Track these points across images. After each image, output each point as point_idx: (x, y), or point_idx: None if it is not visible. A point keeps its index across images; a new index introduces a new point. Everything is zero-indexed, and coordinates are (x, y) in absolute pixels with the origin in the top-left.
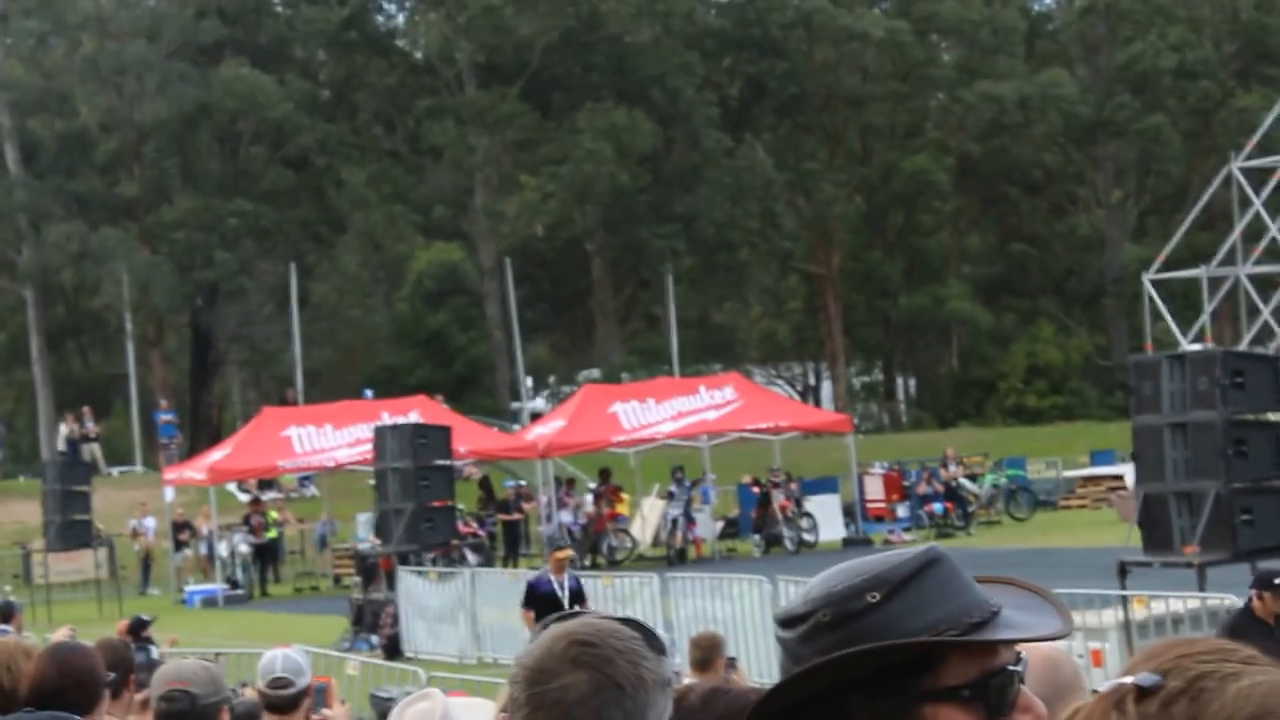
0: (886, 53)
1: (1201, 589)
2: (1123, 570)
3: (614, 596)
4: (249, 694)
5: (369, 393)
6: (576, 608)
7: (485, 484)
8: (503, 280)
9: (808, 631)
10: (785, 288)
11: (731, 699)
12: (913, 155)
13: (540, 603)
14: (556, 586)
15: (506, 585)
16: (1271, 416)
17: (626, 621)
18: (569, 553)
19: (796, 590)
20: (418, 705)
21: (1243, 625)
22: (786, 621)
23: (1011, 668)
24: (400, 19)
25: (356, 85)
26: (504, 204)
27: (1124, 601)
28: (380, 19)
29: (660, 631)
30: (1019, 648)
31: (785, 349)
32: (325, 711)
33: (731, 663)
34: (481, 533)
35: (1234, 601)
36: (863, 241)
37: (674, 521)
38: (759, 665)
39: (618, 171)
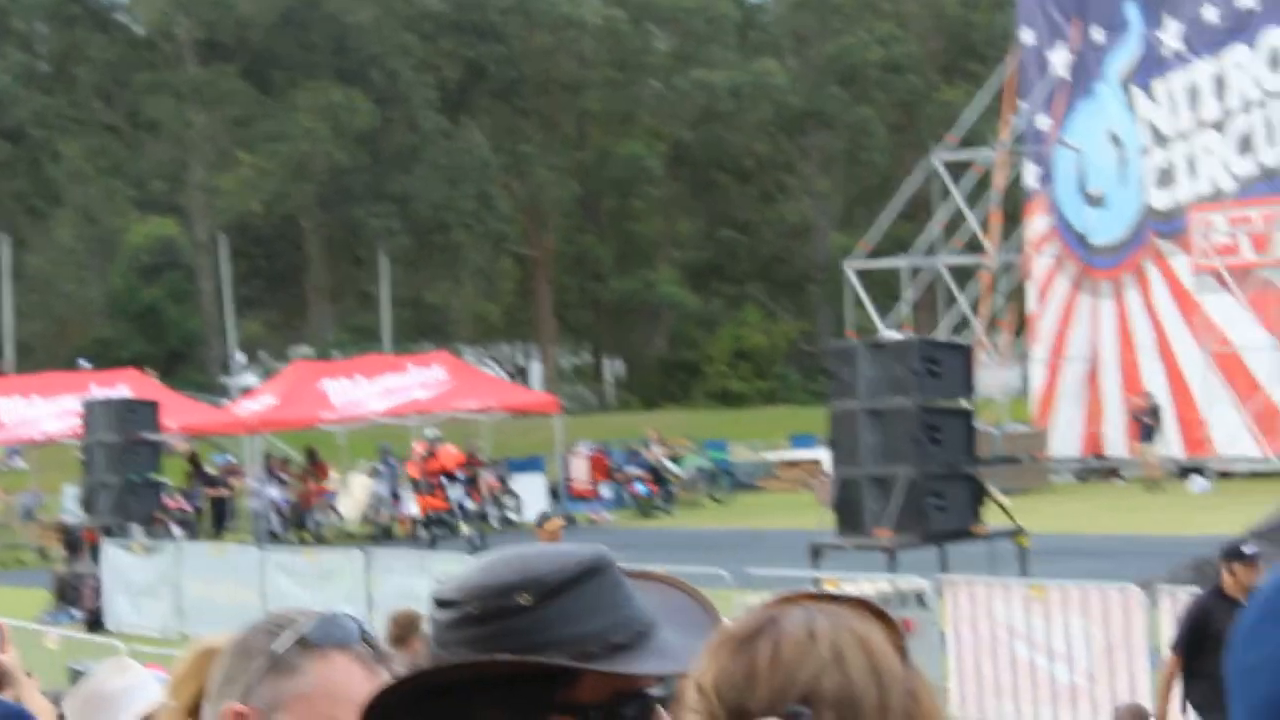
0: (603, 40)
1: (892, 571)
2: (816, 552)
3: (317, 572)
4: None
5: (85, 362)
6: None
7: (193, 459)
8: (217, 256)
9: (456, 620)
10: (498, 269)
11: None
12: (627, 141)
13: None
14: None
15: (212, 560)
16: (964, 404)
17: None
18: (560, 522)
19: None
20: (114, 679)
21: (1210, 607)
22: (439, 603)
23: (650, 693)
24: None
25: (76, 59)
26: (221, 180)
27: (816, 584)
28: None
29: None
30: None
31: (496, 330)
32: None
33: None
34: (188, 507)
35: (922, 585)
36: (576, 225)
37: (380, 499)
38: None
39: (335, 150)
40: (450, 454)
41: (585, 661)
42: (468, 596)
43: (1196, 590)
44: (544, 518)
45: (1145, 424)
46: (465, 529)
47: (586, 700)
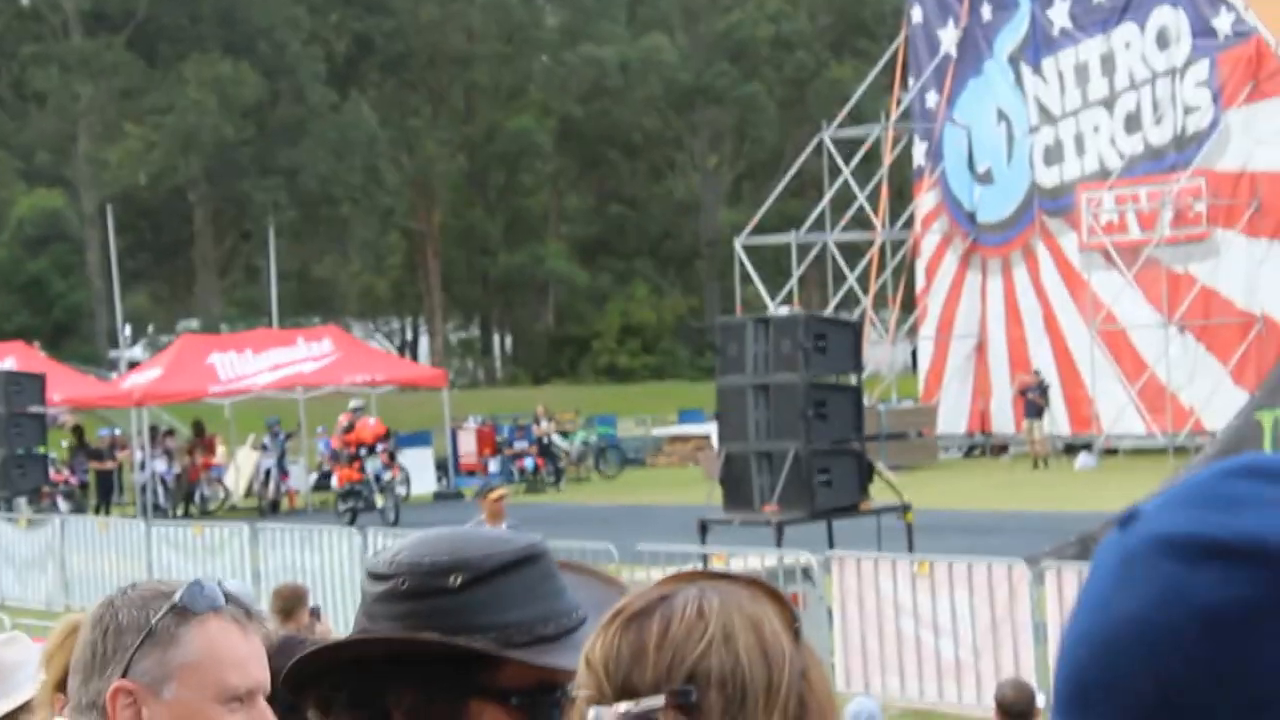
0: (491, 13)
1: (779, 547)
2: (703, 528)
3: (203, 546)
4: None
5: None
6: None
7: (77, 431)
8: (104, 228)
9: (385, 593)
10: (386, 243)
11: (307, 648)
12: (516, 116)
13: None
14: None
15: (97, 534)
16: (851, 380)
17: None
18: (503, 491)
19: (387, 543)
20: (6, 652)
21: None
22: (371, 574)
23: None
24: None
25: None
26: (107, 152)
27: (704, 559)
28: None
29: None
30: None
31: (384, 304)
32: None
33: (315, 613)
34: (73, 480)
35: (809, 560)
36: (464, 199)
37: (267, 472)
38: (346, 617)
39: (222, 123)
40: (369, 426)
41: (508, 649)
42: (399, 571)
43: (1081, 565)
44: (486, 488)
45: (1033, 401)
46: (379, 502)
47: (508, 687)
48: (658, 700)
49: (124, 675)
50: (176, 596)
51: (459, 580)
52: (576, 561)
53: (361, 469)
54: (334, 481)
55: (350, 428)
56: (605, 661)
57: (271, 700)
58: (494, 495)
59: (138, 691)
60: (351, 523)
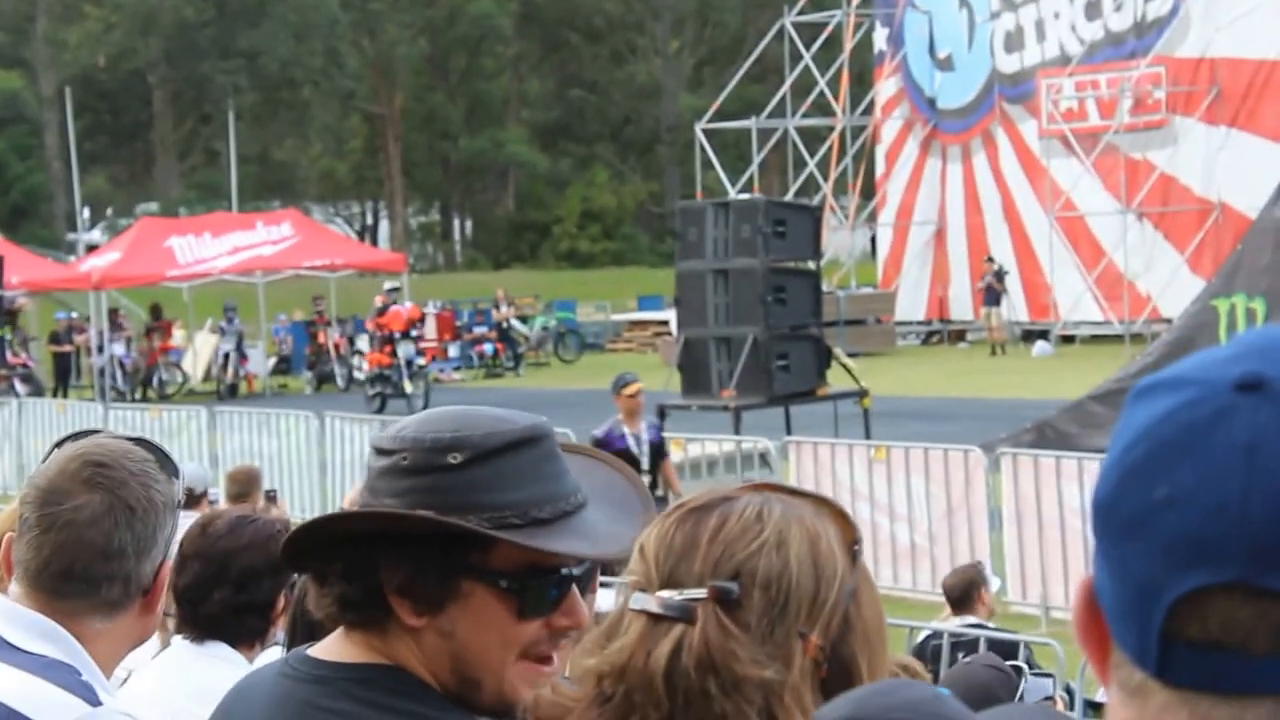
0: None
1: (737, 432)
2: (661, 413)
3: (160, 430)
4: None
5: None
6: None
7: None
8: (62, 110)
9: (387, 468)
10: (346, 127)
11: (258, 527)
12: None
13: None
14: (632, 441)
15: (55, 417)
16: (810, 265)
17: (139, 442)
18: (639, 386)
19: (345, 426)
20: None
21: None
22: (376, 449)
23: (567, 571)
24: None
25: None
26: (66, 33)
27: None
28: None
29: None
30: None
31: (345, 188)
32: None
33: (271, 496)
34: (31, 363)
35: (767, 445)
36: (425, 83)
37: (226, 356)
38: (303, 501)
39: (181, 4)
40: (402, 314)
41: (501, 530)
42: (400, 446)
43: (1037, 453)
44: (622, 382)
45: (992, 288)
46: (408, 388)
47: (498, 568)
48: (700, 592)
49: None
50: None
51: (459, 459)
52: (584, 446)
53: (393, 353)
54: (363, 365)
55: (383, 310)
56: (657, 551)
57: (220, 578)
58: (629, 390)
59: None
60: (380, 410)
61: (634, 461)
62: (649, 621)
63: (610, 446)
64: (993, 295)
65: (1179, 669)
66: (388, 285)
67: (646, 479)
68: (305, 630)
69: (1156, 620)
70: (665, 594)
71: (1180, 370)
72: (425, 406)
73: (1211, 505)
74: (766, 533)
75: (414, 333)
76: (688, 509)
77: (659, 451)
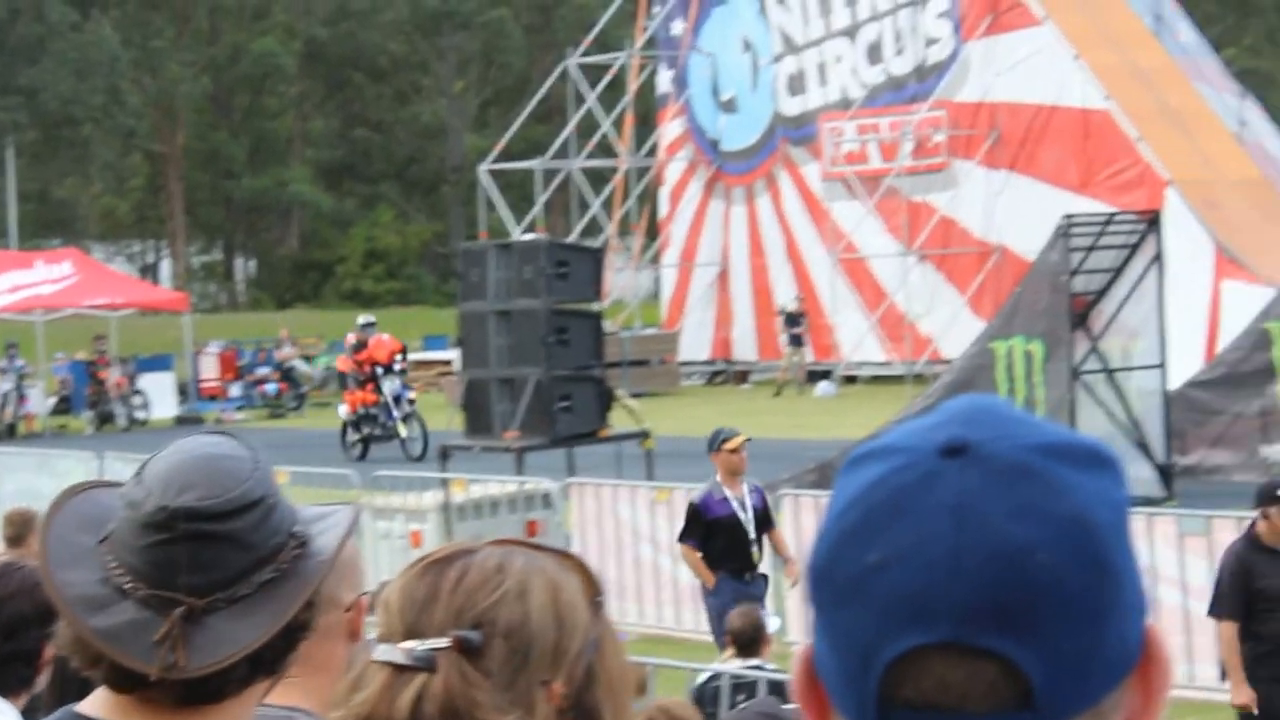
0: None
1: (520, 473)
2: (444, 454)
3: None
4: None
5: None
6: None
7: None
8: None
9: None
10: (128, 165)
11: (25, 574)
12: (260, 37)
13: (715, 532)
14: (736, 505)
15: None
16: (592, 306)
17: None
18: (742, 439)
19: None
20: None
21: (1250, 560)
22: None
23: None
24: None
25: None
26: None
27: (444, 484)
28: None
29: None
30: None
31: (126, 226)
32: None
33: None
34: None
35: (549, 486)
36: (208, 122)
37: (4, 396)
38: None
39: None
40: (384, 343)
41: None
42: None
43: (819, 494)
44: (723, 436)
45: (795, 333)
46: (403, 431)
47: None
48: (443, 641)
49: None
50: None
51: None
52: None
53: (377, 390)
54: (341, 410)
55: (361, 345)
56: (400, 603)
57: None
58: (731, 444)
59: None
60: (362, 456)
61: (739, 530)
62: (393, 672)
63: (710, 512)
64: (796, 339)
65: None
66: (361, 320)
67: (754, 549)
68: (75, 684)
69: (872, 684)
70: (408, 644)
71: (889, 439)
72: (425, 451)
73: (922, 566)
74: (509, 583)
75: (397, 365)
76: (429, 561)
77: (766, 520)
